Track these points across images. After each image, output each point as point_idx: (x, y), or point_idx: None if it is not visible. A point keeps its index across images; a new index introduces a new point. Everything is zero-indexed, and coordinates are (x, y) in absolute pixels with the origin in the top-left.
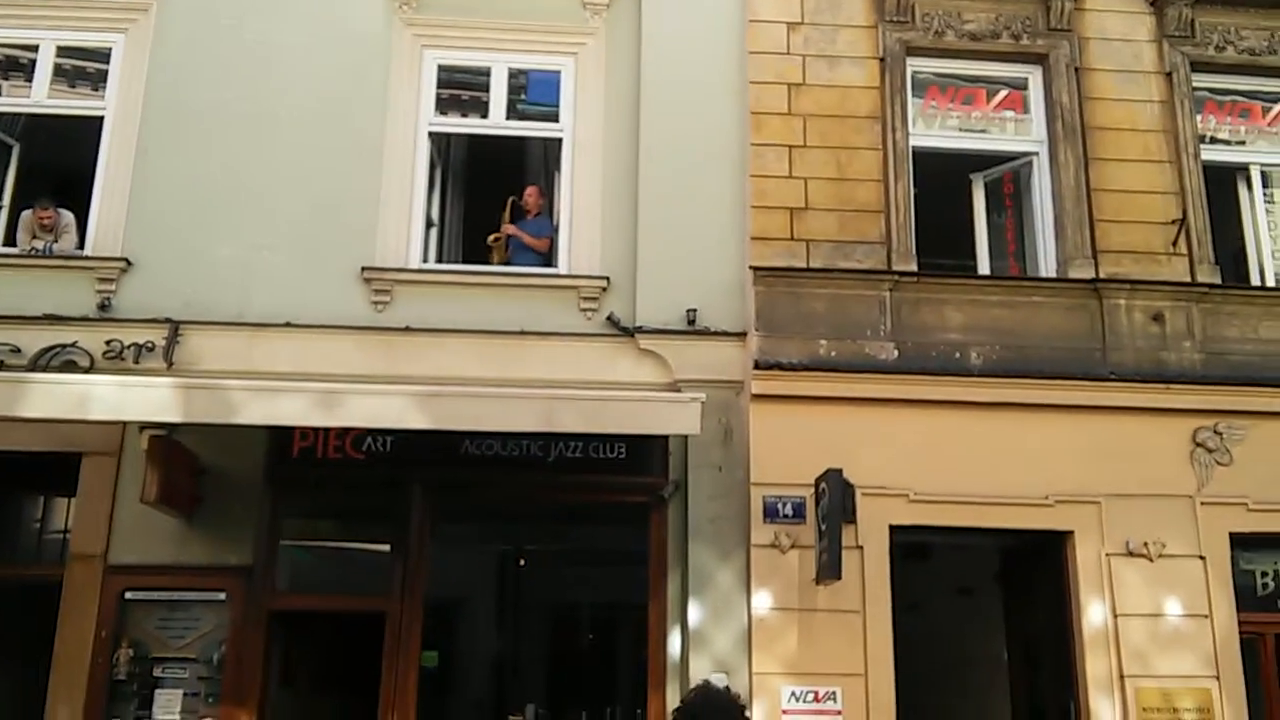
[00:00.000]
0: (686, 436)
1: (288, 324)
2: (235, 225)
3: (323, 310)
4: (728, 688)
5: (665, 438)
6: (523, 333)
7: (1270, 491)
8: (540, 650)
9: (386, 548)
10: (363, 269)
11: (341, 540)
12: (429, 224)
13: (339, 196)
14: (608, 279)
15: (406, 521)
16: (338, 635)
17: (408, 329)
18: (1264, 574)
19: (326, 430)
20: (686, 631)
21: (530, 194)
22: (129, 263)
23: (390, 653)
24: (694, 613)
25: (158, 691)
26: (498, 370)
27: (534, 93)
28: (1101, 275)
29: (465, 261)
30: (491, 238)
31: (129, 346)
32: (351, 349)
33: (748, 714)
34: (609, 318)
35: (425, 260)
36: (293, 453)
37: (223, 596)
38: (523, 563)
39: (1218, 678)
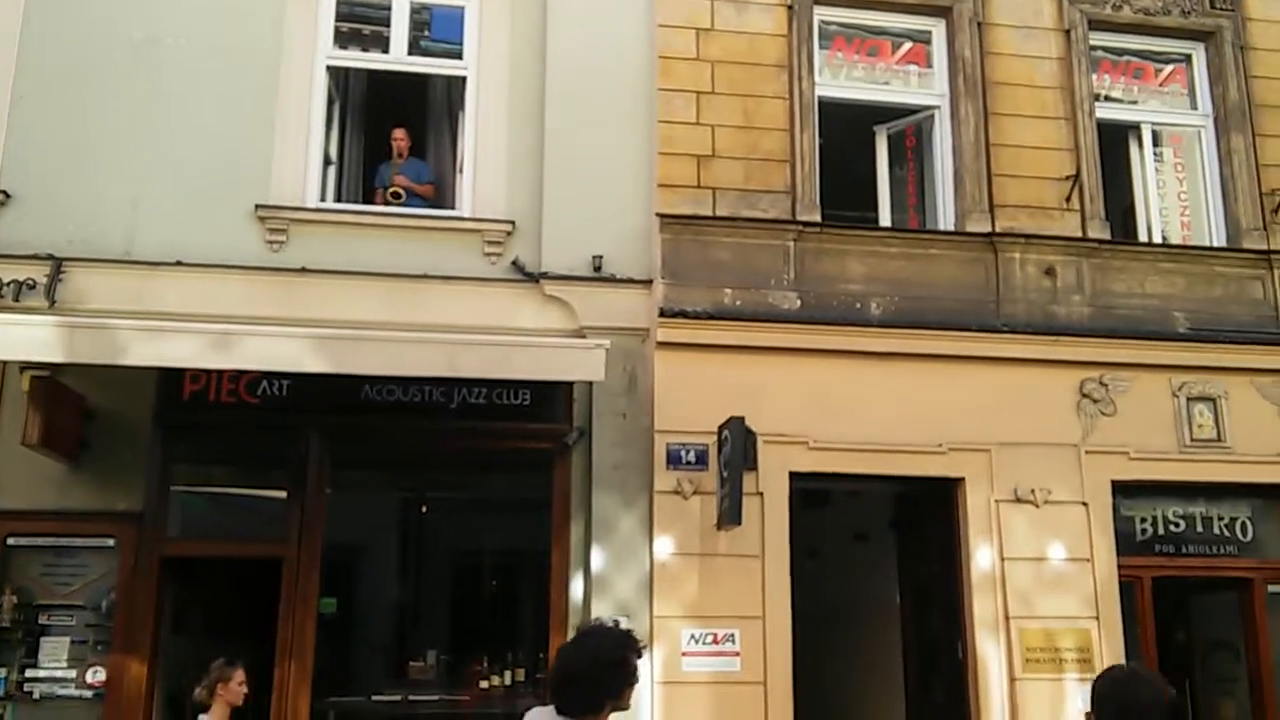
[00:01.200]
0: (591, 384)
1: (178, 263)
2: (122, 160)
3: (215, 249)
4: (616, 622)
5: (570, 385)
6: (424, 276)
7: (1150, 441)
8: (442, 597)
9: (283, 494)
10: (257, 207)
11: (236, 486)
12: (327, 162)
13: (232, 132)
14: (513, 223)
15: (303, 468)
16: (233, 583)
17: (304, 270)
18: (1143, 520)
19: (219, 373)
20: (589, 576)
21: (398, 136)
22: (7, 195)
23: (287, 600)
24: (596, 558)
25: (44, 639)
26: (398, 314)
27: (438, 29)
28: (997, 229)
29: (365, 202)
30: (390, 193)
31: (8, 284)
32: (245, 290)
33: (641, 646)
34: (514, 263)
35: (323, 199)
36: (183, 396)
37: (111, 543)
38: (425, 510)
39: (1097, 618)
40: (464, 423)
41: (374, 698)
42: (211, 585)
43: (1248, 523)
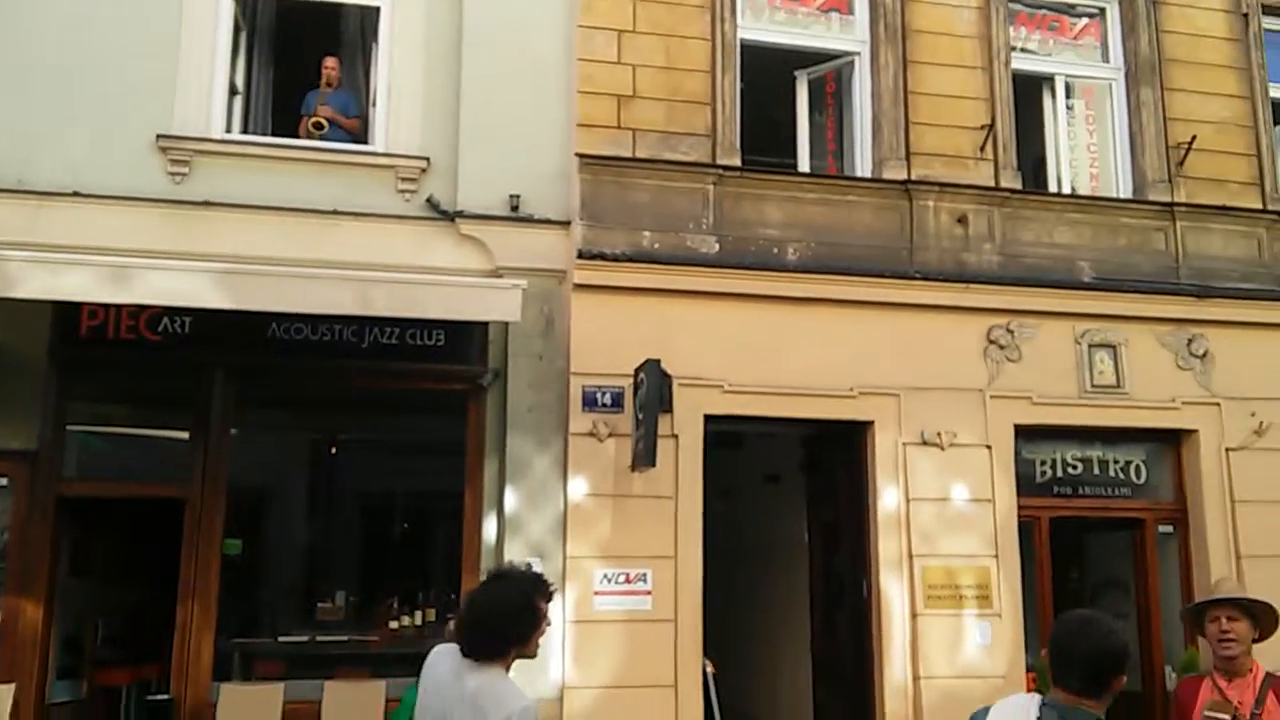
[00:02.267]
0: (507, 325)
1: (75, 194)
2: (14, 85)
3: (115, 180)
4: (528, 565)
5: (485, 325)
6: (335, 212)
7: (1052, 387)
8: (352, 539)
9: (185, 435)
10: (158, 137)
11: (137, 426)
12: (233, 92)
13: (133, 59)
14: (427, 160)
15: (207, 408)
16: (135, 524)
17: (208, 204)
18: (1043, 462)
19: (118, 309)
20: (502, 517)
21: (330, 65)
22: None
23: (190, 541)
24: (510, 499)
25: None
26: (308, 251)
27: None
28: (913, 177)
29: (274, 135)
30: (312, 122)
31: None
32: (146, 223)
33: (552, 590)
34: (428, 200)
35: (229, 131)
36: (80, 333)
37: (5, 482)
38: (335, 451)
39: (996, 557)
40: (376, 363)
41: (280, 639)
42: (112, 526)
43: (1141, 466)
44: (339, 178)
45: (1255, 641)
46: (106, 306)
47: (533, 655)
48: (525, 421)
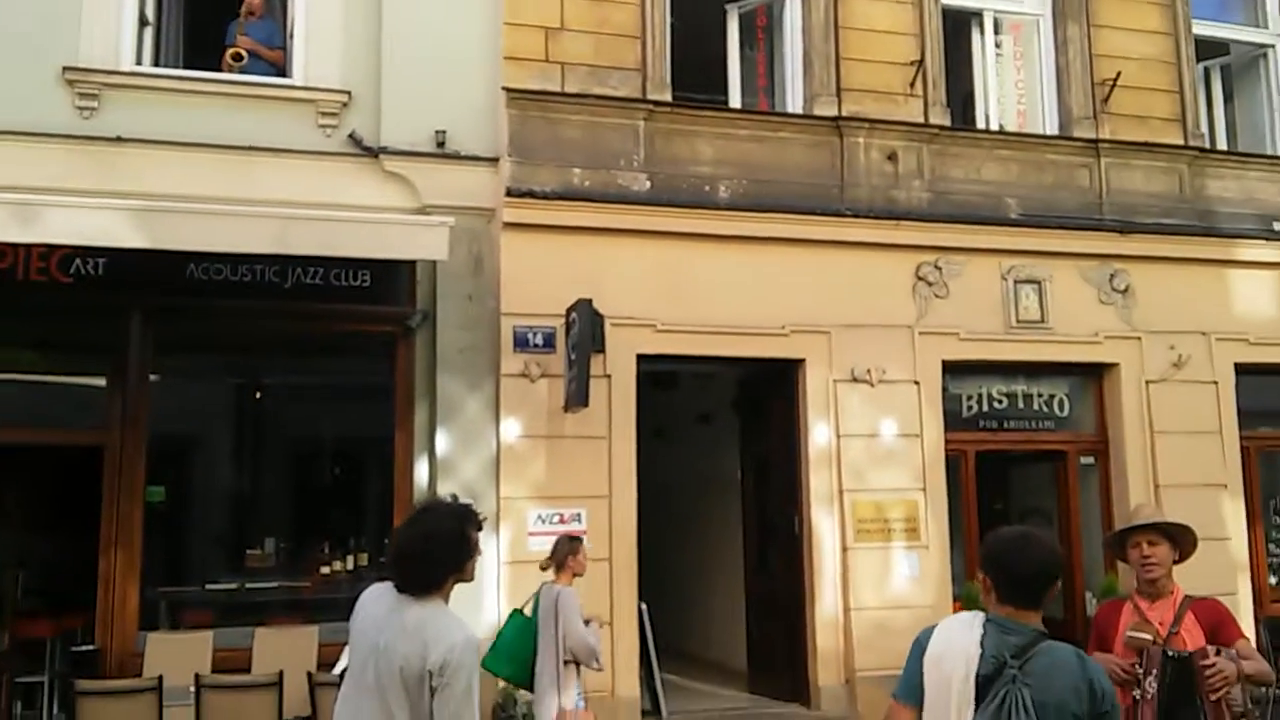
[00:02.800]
0: (435, 264)
1: None
2: None
3: (18, 114)
4: (454, 497)
5: (413, 266)
6: (252, 149)
7: (979, 323)
8: (281, 485)
9: (102, 380)
10: (65, 69)
11: (51, 372)
12: (143, 22)
13: None
14: (349, 94)
15: (125, 352)
16: (56, 472)
17: (120, 139)
18: (969, 398)
19: (26, 249)
20: (434, 460)
21: None
22: None
23: (110, 489)
24: (442, 442)
25: None
26: (225, 189)
27: None
28: (844, 113)
29: (189, 67)
30: (230, 54)
31: None
32: (53, 159)
33: (481, 518)
34: (350, 136)
35: (139, 63)
36: None
37: None
38: (259, 396)
39: (924, 490)
40: (300, 304)
41: (209, 587)
42: (31, 475)
43: (1064, 399)
44: (256, 112)
45: (1175, 563)
46: (15, 247)
47: (470, 579)
48: (456, 363)
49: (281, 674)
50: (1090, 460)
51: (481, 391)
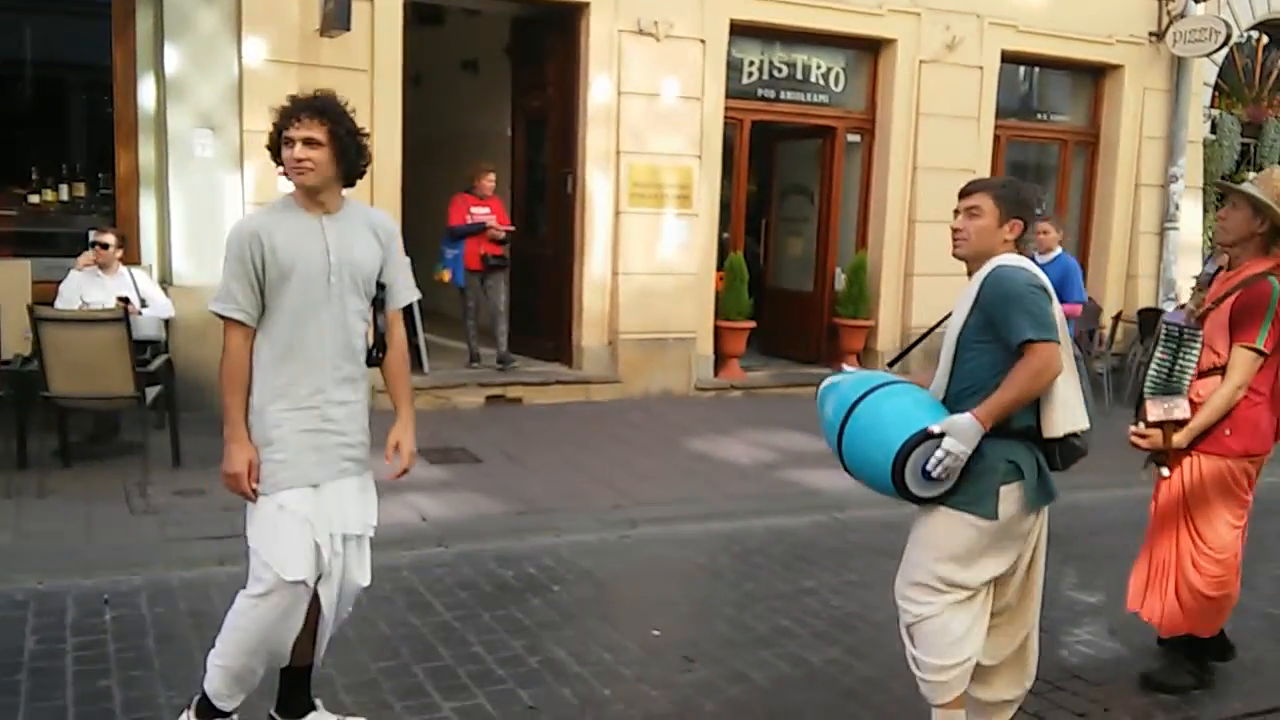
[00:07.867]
0: None
1: None
2: None
3: None
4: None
5: None
6: None
7: None
8: None
9: None
10: None
11: None
12: None
13: None
14: None
15: None
16: None
17: None
18: (751, 63)
19: None
20: (163, 82)
21: None
22: None
23: None
24: (171, 60)
25: None
26: None
27: None
28: None
29: None
30: None
31: None
32: None
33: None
34: None
35: None
36: None
37: None
38: None
39: (700, 157)
40: None
41: None
42: None
43: (841, 74)
44: None
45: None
46: None
47: None
48: None
49: None
50: (857, 139)
51: (218, 3)
